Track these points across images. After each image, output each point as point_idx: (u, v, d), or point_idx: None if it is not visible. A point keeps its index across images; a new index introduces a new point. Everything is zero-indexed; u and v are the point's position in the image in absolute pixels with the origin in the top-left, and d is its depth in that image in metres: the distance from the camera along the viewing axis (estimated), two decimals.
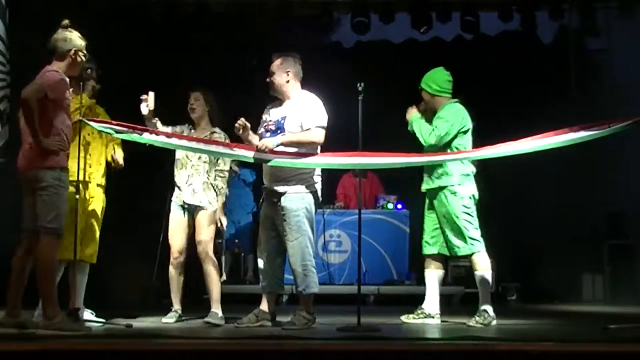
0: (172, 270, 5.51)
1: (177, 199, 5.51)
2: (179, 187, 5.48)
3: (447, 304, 7.86)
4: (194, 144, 5.01)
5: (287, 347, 3.76)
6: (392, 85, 8.97)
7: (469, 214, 5.22)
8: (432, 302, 5.49)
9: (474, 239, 5.22)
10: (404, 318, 5.47)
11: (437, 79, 5.42)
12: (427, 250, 5.48)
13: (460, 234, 5.22)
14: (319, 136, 4.96)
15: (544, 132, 4.75)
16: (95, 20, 7.64)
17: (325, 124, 5.00)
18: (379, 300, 7.80)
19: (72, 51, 4.54)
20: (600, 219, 8.59)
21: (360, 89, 4.76)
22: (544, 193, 8.32)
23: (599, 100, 7.90)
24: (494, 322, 5.13)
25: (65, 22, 4.58)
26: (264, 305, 5.06)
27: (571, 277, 8.66)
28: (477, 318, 5.16)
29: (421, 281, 8.45)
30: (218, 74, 8.18)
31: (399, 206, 8.54)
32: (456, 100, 5.44)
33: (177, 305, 5.51)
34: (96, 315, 5.17)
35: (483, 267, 5.24)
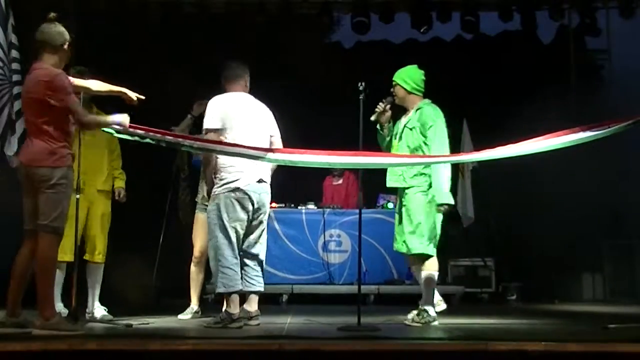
0: (193, 269, 5.80)
1: (201, 201, 5.71)
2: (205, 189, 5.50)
3: (447, 304, 7.87)
4: (194, 143, 5.00)
5: (288, 347, 3.76)
6: (392, 85, 8.99)
7: (432, 216, 5.18)
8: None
9: (430, 241, 5.16)
10: (408, 321, 5.29)
11: (414, 77, 5.39)
12: (398, 247, 5.42)
13: (419, 233, 5.16)
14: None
15: (545, 133, 4.75)
16: (95, 20, 7.67)
17: (209, 127, 4.95)
18: (379, 300, 7.80)
19: (65, 44, 4.49)
20: (600, 219, 8.59)
21: (360, 88, 4.76)
22: (544, 193, 8.32)
23: (599, 100, 7.90)
24: (436, 323, 5.07)
25: (53, 15, 4.51)
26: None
27: (571, 277, 8.66)
28: (416, 317, 5.14)
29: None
30: (218, 74, 8.17)
31: None
32: (429, 100, 5.40)
33: (195, 303, 5.74)
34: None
35: (432, 268, 5.19)
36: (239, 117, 5.00)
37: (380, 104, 5.28)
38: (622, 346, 3.68)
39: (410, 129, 5.24)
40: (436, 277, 5.22)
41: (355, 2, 8.18)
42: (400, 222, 5.28)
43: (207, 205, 5.47)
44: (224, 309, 5.01)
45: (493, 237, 8.74)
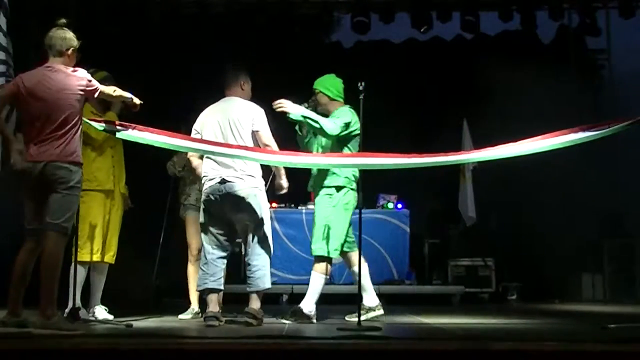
0: (191, 269, 5.85)
1: (196, 202, 5.79)
2: (199, 190, 5.54)
3: (447, 304, 7.88)
4: (195, 144, 5.01)
5: (288, 346, 3.76)
6: (392, 85, 8.99)
7: (337, 220, 5.25)
8: (369, 296, 5.46)
9: (330, 244, 5.23)
10: (347, 317, 5.43)
11: (336, 85, 5.51)
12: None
13: (321, 236, 5.25)
14: None
15: (544, 133, 4.75)
16: (96, 20, 7.67)
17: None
18: (380, 300, 7.79)
19: (70, 50, 4.58)
20: (600, 219, 8.59)
21: (360, 88, 4.77)
22: (544, 193, 8.32)
23: (598, 100, 7.91)
24: (314, 322, 5.19)
25: (62, 21, 4.62)
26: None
27: (571, 276, 8.66)
28: (291, 317, 5.23)
29: (421, 281, 8.54)
30: (217, 74, 8.18)
31: (399, 206, 8.56)
32: (349, 105, 5.48)
33: (195, 303, 5.77)
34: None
35: (321, 271, 5.29)
36: (210, 123, 5.12)
37: (305, 104, 5.39)
38: (622, 346, 3.68)
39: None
40: (323, 281, 5.30)
41: (356, 2, 8.18)
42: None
43: (196, 205, 5.77)
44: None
45: (493, 237, 8.74)
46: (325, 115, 5.39)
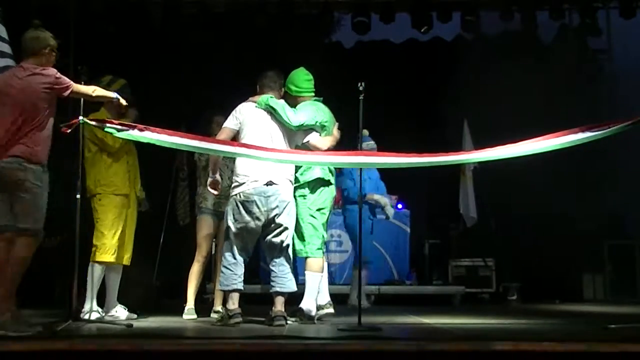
0: (198, 268, 5.86)
1: (213, 206, 5.86)
2: (214, 195, 5.57)
3: (448, 304, 7.88)
4: (196, 143, 4.99)
5: (288, 347, 3.76)
6: (393, 85, 8.99)
7: (314, 218, 5.29)
8: (321, 294, 5.51)
9: (313, 244, 5.29)
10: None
11: (296, 80, 5.45)
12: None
13: (302, 237, 5.30)
14: None
15: (545, 133, 4.75)
16: (95, 20, 7.67)
17: (226, 125, 5.15)
18: (380, 300, 7.81)
19: (46, 49, 4.56)
20: (600, 219, 8.59)
21: (361, 88, 4.77)
22: (544, 193, 8.32)
23: (599, 100, 7.91)
24: (316, 321, 5.24)
25: (36, 22, 4.65)
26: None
27: (571, 277, 8.66)
28: (295, 318, 5.23)
29: (422, 281, 8.54)
30: (218, 74, 8.18)
31: (400, 206, 8.56)
32: (317, 98, 5.46)
33: (191, 303, 5.78)
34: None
35: (315, 269, 5.32)
36: (255, 122, 5.10)
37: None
38: (622, 346, 3.67)
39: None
40: (318, 278, 5.35)
41: (356, 2, 8.18)
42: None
43: (212, 209, 5.84)
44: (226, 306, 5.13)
45: (494, 237, 8.75)
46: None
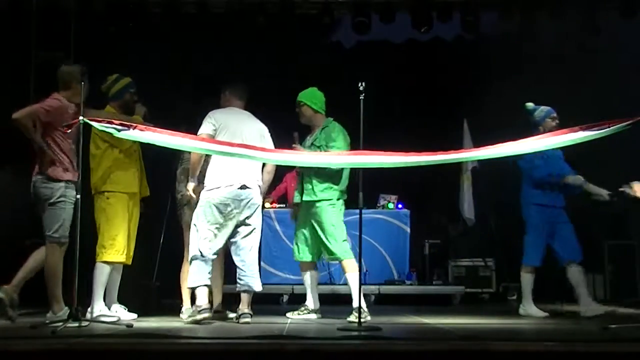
0: (186, 270, 5.78)
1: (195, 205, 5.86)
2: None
3: (448, 304, 7.88)
4: (196, 144, 5.00)
5: (288, 347, 3.76)
6: (392, 85, 8.99)
7: (341, 224, 5.61)
8: (312, 299, 5.80)
9: (345, 246, 5.58)
10: (289, 314, 5.76)
11: (319, 98, 5.73)
12: (303, 257, 5.77)
13: (335, 241, 5.54)
14: None
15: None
16: (95, 20, 7.66)
17: (201, 132, 5.28)
18: (380, 300, 7.81)
19: (73, 82, 5.02)
20: (600, 219, 8.58)
21: (361, 88, 4.77)
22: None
23: (599, 100, 7.90)
24: (369, 318, 5.29)
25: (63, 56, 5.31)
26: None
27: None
28: (353, 317, 5.24)
29: (422, 281, 8.53)
30: (218, 74, 8.17)
31: (400, 206, 8.55)
32: (332, 119, 5.74)
33: (188, 304, 5.75)
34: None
35: (352, 269, 5.49)
36: (232, 127, 5.29)
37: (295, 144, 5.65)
38: (622, 346, 3.68)
39: (318, 147, 5.59)
40: (357, 277, 5.37)
41: (356, 2, 8.17)
42: (308, 234, 5.68)
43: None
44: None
45: (493, 237, 8.74)
46: (308, 126, 5.70)
